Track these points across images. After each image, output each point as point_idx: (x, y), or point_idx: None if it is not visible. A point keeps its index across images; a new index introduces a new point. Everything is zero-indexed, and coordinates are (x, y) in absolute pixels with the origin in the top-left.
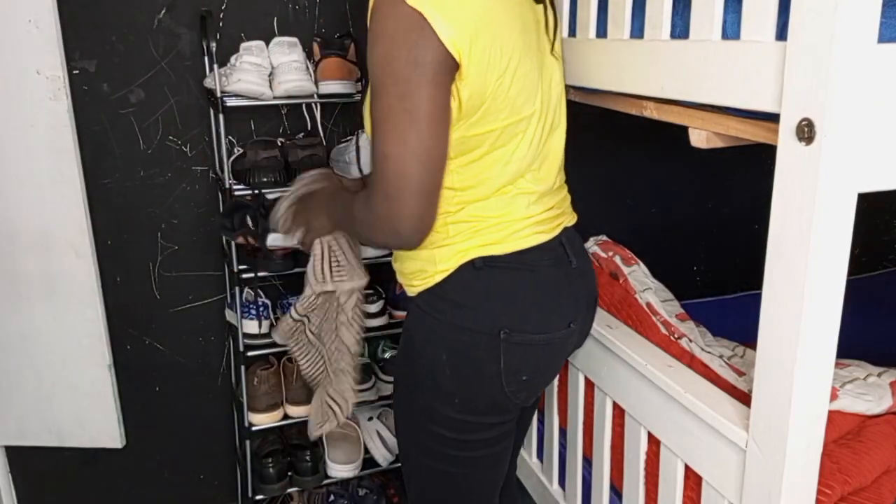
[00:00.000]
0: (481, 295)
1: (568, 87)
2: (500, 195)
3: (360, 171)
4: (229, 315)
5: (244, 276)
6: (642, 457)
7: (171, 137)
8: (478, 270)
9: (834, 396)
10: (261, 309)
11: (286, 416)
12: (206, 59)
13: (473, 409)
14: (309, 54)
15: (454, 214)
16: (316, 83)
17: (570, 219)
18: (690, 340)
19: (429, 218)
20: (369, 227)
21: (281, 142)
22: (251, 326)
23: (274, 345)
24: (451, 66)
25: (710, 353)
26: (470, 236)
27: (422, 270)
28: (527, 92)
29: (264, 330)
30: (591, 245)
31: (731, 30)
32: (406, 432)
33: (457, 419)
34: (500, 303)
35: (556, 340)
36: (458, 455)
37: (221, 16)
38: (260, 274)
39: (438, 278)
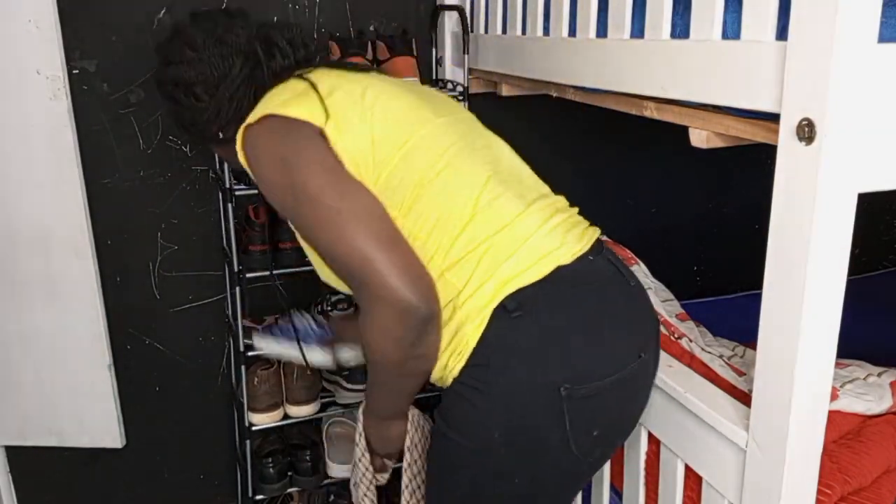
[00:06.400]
0: (525, 345)
1: (568, 87)
2: (476, 218)
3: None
4: (229, 315)
5: (244, 276)
6: (642, 457)
7: (171, 137)
8: (510, 314)
9: (834, 396)
10: None
11: (286, 416)
12: None
13: (539, 486)
14: None
15: (446, 260)
16: None
17: (594, 232)
18: (690, 340)
19: (419, 268)
20: (389, 334)
21: None
22: None
23: None
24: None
25: (710, 353)
26: (485, 270)
27: (453, 340)
28: (408, 121)
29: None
30: None
31: (731, 30)
32: None
33: (520, 495)
34: (552, 350)
35: (627, 378)
36: None
37: None
38: (259, 274)
39: (473, 343)
